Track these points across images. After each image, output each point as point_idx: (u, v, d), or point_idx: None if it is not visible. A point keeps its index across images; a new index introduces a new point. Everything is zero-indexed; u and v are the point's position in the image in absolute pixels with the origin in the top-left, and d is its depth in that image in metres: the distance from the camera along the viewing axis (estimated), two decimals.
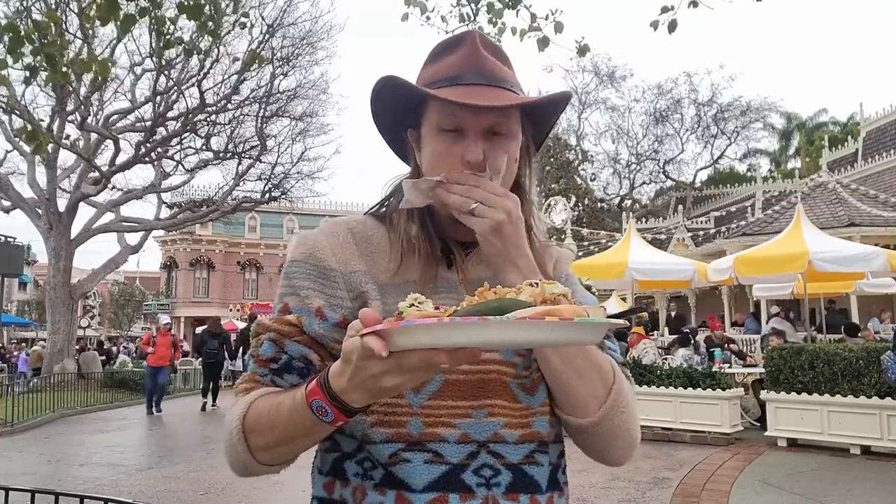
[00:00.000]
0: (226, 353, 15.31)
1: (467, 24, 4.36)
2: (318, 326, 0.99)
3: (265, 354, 1.00)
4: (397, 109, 1.05)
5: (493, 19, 4.30)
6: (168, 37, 3.84)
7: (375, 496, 0.94)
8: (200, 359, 15.91)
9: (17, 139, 17.25)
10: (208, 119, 20.01)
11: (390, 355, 0.72)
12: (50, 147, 17.40)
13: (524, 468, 0.96)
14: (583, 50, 4.48)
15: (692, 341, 10.46)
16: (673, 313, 17.54)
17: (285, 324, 1.00)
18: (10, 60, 3.50)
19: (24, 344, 34.98)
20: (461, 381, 0.95)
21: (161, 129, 19.50)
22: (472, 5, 4.30)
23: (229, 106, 19.87)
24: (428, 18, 4.28)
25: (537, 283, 0.75)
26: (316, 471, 1.05)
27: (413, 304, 0.74)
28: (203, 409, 14.11)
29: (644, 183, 34.27)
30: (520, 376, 0.99)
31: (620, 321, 0.79)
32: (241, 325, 27.83)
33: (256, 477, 0.99)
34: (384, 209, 1.10)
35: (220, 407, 13.92)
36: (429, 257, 1.02)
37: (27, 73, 3.59)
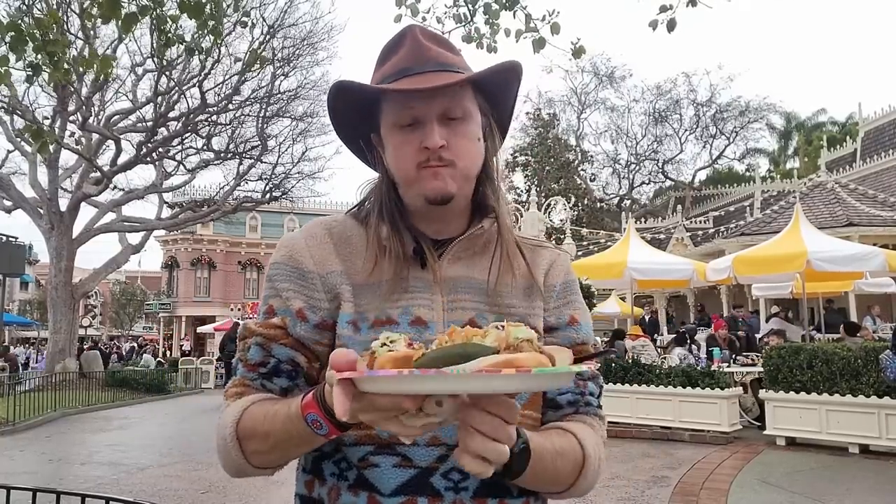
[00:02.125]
0: None
1: (463, 26, 4.37)
2: (300, 328, 1.00)
3: (253, 359, 1.01)
4: (354, 116, 1.06)
5: (490, 20, 4.32)
6: (169, 35, 3.86)
7: (349, 497, 0.96)
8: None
9: (20, 139, 17.28)
10: (209, 119, 20.04)
11: (363, 395, 0.74)
12: (52, 147, 17.45)
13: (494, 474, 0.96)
14: (578, 52, 4.48)
15: (687, 341, 10.49)
16: (648, 317, 17.56)
17: (271, 327, 1.01)
18: (12, 59, 3.53)
19: (42, 343, 34.91)
20: None
21: (162, 130, 19.53)
22: (470, 6, 4.31)
23: (230, 106, 19.90)
24: (423, 20, 4.30)
25: (503, 327, 0.76)
26: (300, 469, 1.06)
27: (385, 344, 0.76)
28: None
29: (643, 183, 34.30)
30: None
31: (583, 367, 0.78)
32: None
33: (250, 476, 1.01)
34: (362, 209, 1.10)
35: None
36: (400, 258, 1.01)
37: (29, 72, 3.62)
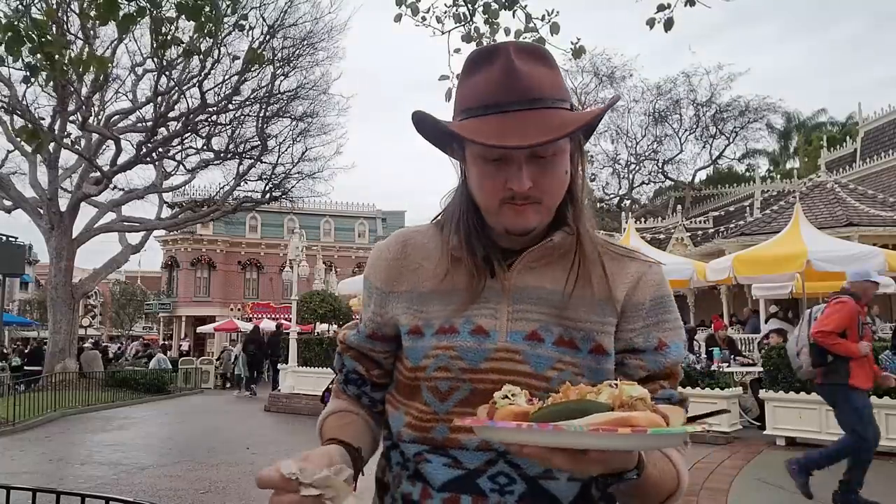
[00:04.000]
0: (263, 354, 18.54)
1: (463, 25, 4.38)
2: (353, 338, 1.13)
3: (336, 365, 1.18)
4: (437, 134, 1.06)
5: (490, 20, 4.32)
6: (165, 37, 3.86)
7: (408, 486, 1.02)
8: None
9: (19, 139, 17.28)
10: (209, 119, 20.04)
11: None
12: (51, 147, 17.45)
13: (541, 482, 0.96)
14: (578, 52, 4.49)
15: (686, 341, 10.47)
16: None
17: (340, 342, 1.17)
18: (9, 60, 3.54)
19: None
20: (489, 391, 0.91)
21: (162, 130, 19.54)
22: (469, 6, 4.31)
23: (230, 106, 19.90)
24: (424, 19, 4.29)
25: (616, 385, 0.77)
26: (381, 455, 1.14)
27: (506, 397, 0.80)
28: (245, 394, 17.67)
29: (643, 183, 34.21)
30: (551, 390, 0.93)
31: (696, 428, 0.77)
32: (243, 324, 27.87)
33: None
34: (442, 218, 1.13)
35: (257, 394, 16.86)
36: (472, 268, 1.03)
37: (27, 73, 3.63)
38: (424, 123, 1.03)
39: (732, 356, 10.65)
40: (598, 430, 0.70)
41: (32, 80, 3.86)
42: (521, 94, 0.96)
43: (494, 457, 0.96)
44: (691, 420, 0.81)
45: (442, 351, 1.00)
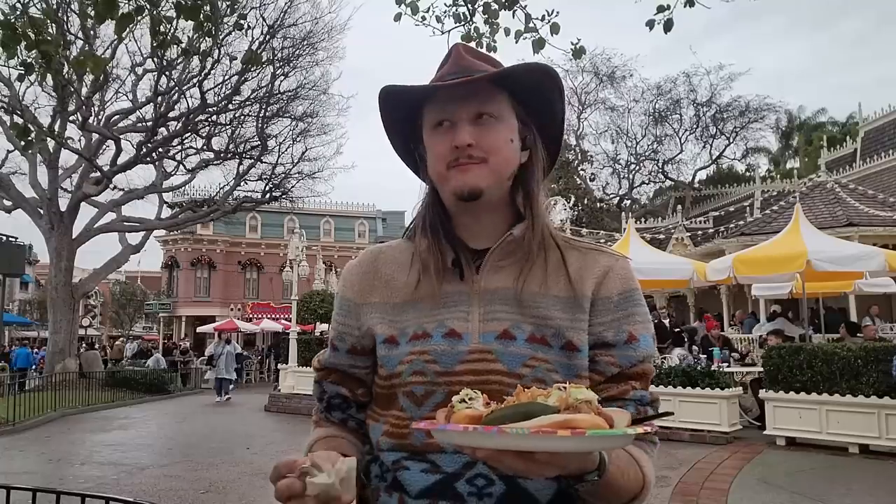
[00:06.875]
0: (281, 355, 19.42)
1: (463, 25, 4.37)
2: (333, 358, 1.12)
3: (315, 394, 1.17)
4: (400, 121, 1.09)
5: (490, 20, 4.32)
6: (163, 36, 3.86)
7: (385, 497, 1.02)
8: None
9: (14, 137, 17.29)
10: (209, 119, 20.06)
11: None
12: (51, 147, 17.46)
13: (519, 481, 0.96)
14: (578, 52, 4.49)
15: (686, 341, 10.49)
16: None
17: (317, 369, 1.16)
18: (3, 58, 3.55)
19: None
20: None
21: (162, 130, 19.55)
22: (469, 5, 4.31)
23: (230, 106, 19.91)
24: (423, 19, 4.29)
25: (565, 388, 0.79)
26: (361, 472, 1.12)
27: (464, 400, 0.82)
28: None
29: (643, 183, 34.20)
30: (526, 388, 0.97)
31: (638, 429, 0.77)
32: (243, 324, 27.85)
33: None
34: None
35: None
36: (440, 272, 1.03)
37: (22, 70, 3.64)
38: (389, 98, 1.06)
39: (730, 353, 10.66)
40: (538, 432, 0.72)
41: (27, 77, 3.87)
42: (465, 69, 1.04)
43: (472, 459, 0.93)
44: (637, 422, 0.81)
45: (416, 356, 1.00)
